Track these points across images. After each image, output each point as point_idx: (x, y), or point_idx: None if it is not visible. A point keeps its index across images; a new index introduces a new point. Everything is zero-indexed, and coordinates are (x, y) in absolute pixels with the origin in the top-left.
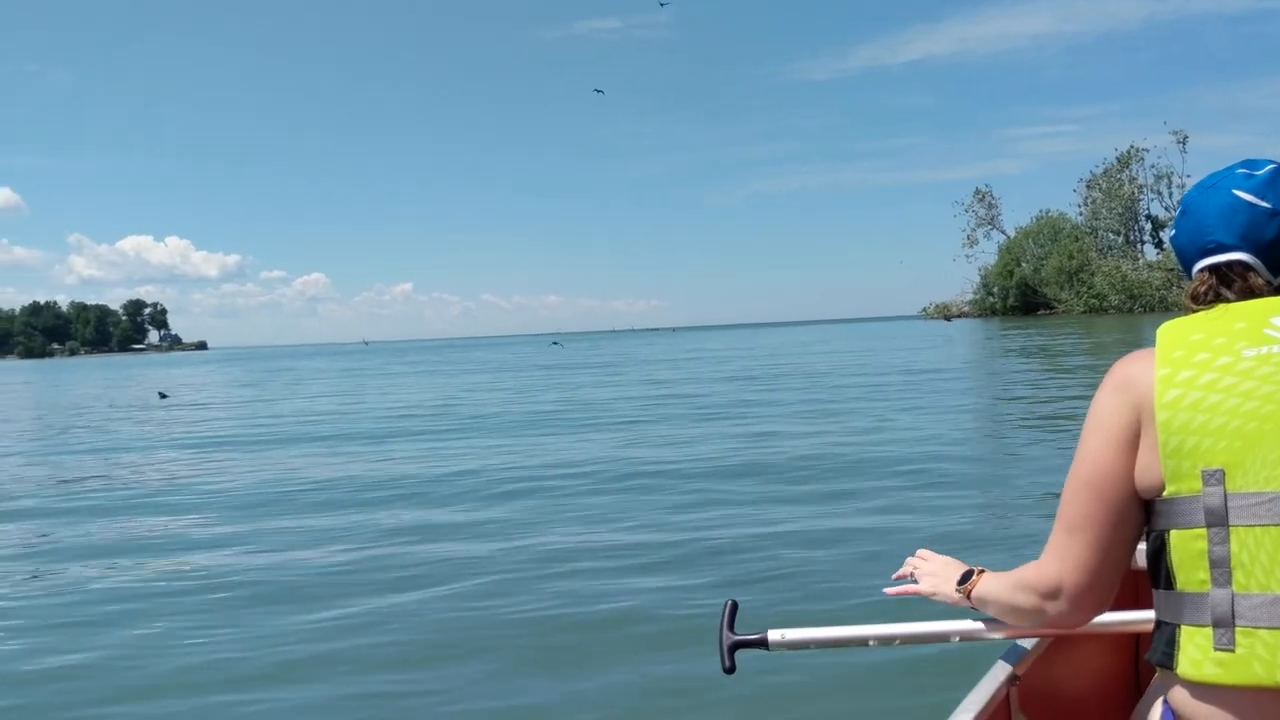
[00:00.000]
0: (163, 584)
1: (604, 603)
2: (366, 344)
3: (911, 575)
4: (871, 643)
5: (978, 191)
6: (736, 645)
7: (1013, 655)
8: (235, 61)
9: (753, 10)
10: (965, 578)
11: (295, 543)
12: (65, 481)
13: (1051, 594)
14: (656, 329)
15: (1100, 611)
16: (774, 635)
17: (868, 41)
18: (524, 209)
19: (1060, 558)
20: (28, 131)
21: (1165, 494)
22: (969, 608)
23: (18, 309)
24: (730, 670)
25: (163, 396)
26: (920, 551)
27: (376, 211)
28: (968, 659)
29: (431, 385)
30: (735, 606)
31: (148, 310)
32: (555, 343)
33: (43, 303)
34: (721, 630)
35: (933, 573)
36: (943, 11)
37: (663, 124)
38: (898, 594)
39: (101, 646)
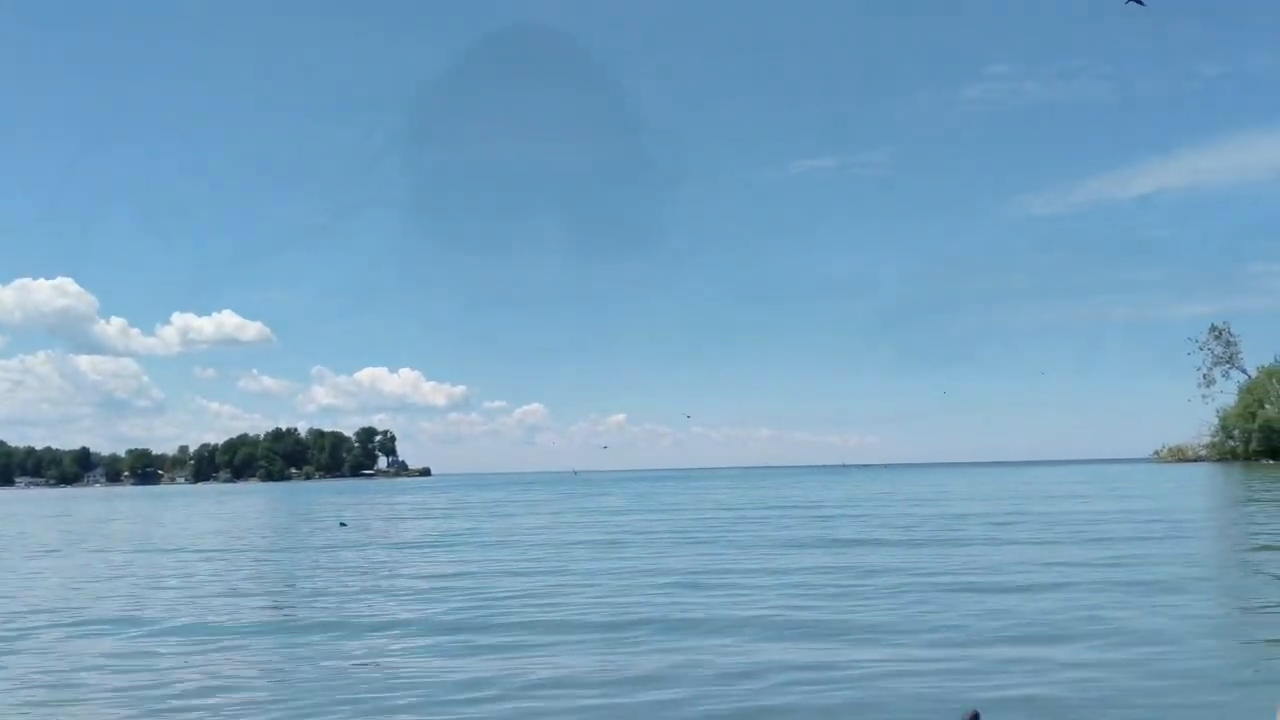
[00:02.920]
0: None
1: None
2: (575, 473)
3: None
4: None
5: (1214, 328)
6: None
7: None
8: (469, 210)
9: (969, 148)
10: None
11: None
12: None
13: None
14: (867, 465)
15: None
16: None
17: (1094, 175)
18: (734, 342)
19: None
20: (278, 268)
21: None
22: None
23: (262, 435)
24: None
25: (342, 525)
26: None
27: (594, 345)
28: None
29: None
30: (976, 717)
31: (378, 438)
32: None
33: (284, 429)
34: None
35: None
36: (1172, 143)
37: (876, 259)
38: None
39: None
